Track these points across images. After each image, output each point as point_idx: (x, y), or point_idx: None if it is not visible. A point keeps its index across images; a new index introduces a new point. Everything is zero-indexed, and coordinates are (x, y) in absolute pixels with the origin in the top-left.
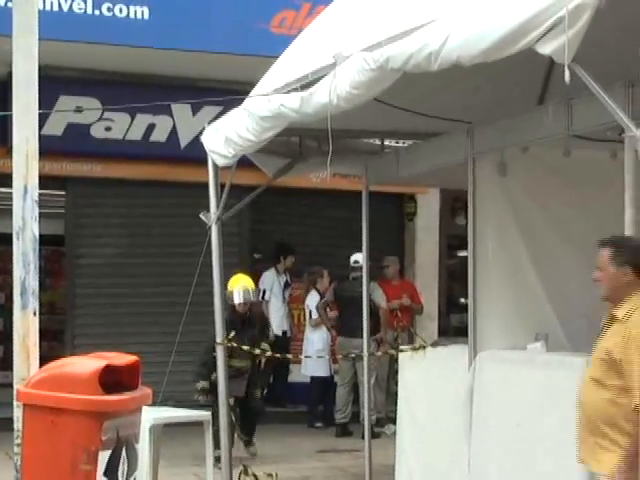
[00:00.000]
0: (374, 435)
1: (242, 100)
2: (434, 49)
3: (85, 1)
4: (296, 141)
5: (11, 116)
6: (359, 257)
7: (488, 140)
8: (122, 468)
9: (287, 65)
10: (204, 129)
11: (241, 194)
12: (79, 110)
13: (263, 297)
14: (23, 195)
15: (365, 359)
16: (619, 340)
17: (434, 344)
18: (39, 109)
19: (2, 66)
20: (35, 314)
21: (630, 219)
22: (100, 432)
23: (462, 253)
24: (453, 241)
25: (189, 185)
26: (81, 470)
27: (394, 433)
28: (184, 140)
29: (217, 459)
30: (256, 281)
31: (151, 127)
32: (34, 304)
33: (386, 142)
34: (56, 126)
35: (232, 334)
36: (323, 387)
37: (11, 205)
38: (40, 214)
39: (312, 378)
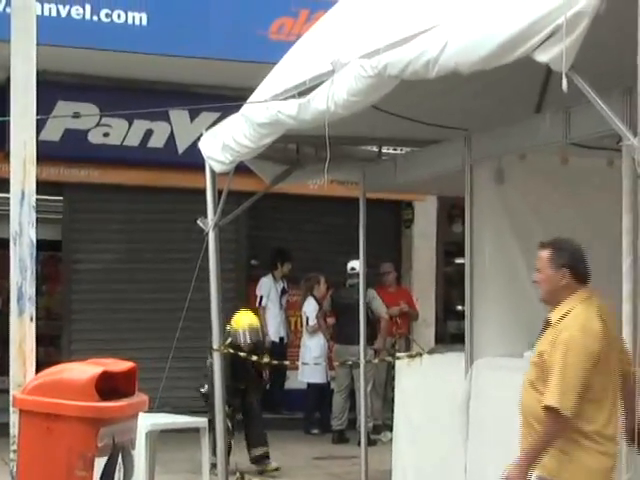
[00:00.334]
0: (370, 442)
1: (240, 107)
2: (432, 56)
3: (83, 7)
4: (293, 148)
5: (9, 122)
6: (356, 264)
7: (485, 147)
8: (118, 475)
9: (285, 72)
10: (202, 135)
11: (238, 200)
12: (77, 116)
13: (260, 303)
14: (20, 200)
15: (362, 366)
16: (550, 342)
17: (431, 351)
18: (37, 114)
19: (1, 71)
20: (32, 320)
21: (627, 227)
22: (96, 438)
23: (459, 260)
24: (450, 248)
25: (186, 191)
26: (77, 476)
27: (390, 440)
28: (182, 146)
29: (213, 465)
30: (254, 290)
31: (149, 133)
32: (31, 310)
33: (383, 149)
34: (54, 131)
35: (229, 340)
36: (320, 394)
37: (8, 210)
38: (37, 219)
39: (309, 385)
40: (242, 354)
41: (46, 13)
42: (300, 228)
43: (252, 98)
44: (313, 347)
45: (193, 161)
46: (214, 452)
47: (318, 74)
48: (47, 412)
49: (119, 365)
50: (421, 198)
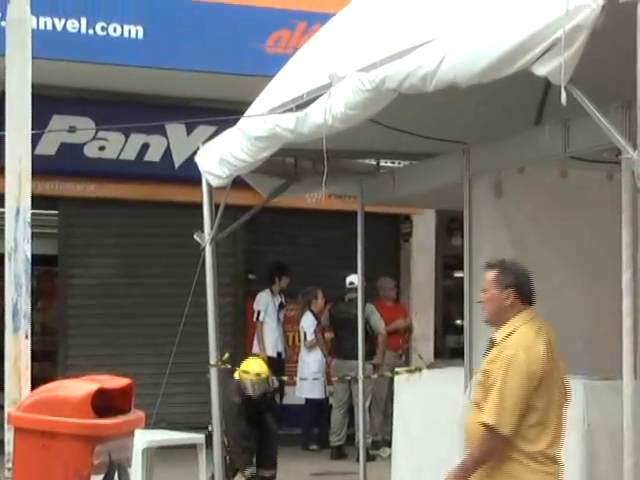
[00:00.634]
0: (369, 458)
1: (237, 120)
2: (430, 70)
3: (79, 20)
4: (291, 161)
5: (4, 137)
6: (355, 278)
7: (484, 161)
8: None
9: (282, 85)
10: (198, 149)
11: (236, 214)
12: (72, 130)
13: (257, 318)
14: (15, 216)
15: (360, 382)
16: (493, 362)
17: (430, 366)
18: (32, 129)
19: None
20: (27, 337)
21: (627, 240)
22: (92, 456)
23: (458, 274)
24: (449, 262)
25: (183, 205)
26: None
27: (389, 456)
28: (178, 160)
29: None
30: (251, 305)
31: (145, 147)
32: (26, 327)
33: (381, 162)
34: (49, 146)
35: (226, 355)
36: (318, 409)
37: (3, 226)
38: (33, 234)
39: (307, 400)
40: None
41: (41, 27)
42: (298, 242)
43: (249, 111)
44: (311, 362)
45: (190, 175)
46: (227, 475)
47: (315, 87)
48: (43, 429)
49: (115, 382)
50: (420, 212)
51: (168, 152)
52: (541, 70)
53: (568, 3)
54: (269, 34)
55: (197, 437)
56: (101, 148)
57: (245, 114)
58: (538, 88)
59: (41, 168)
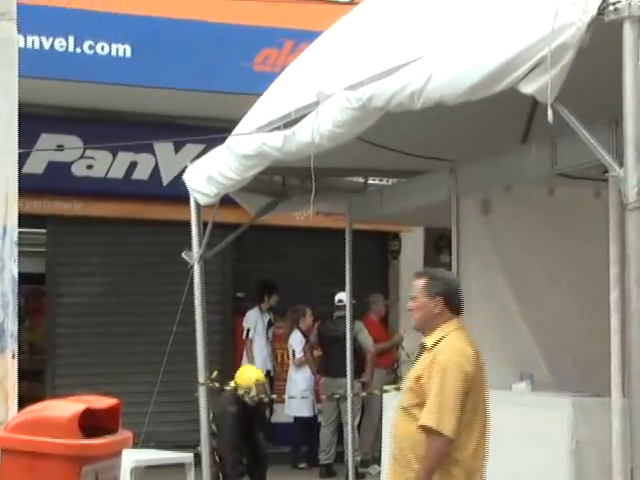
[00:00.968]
0: (358, 475)
1: (225, 138)
2: (417, 88)
3: (66, 39)
4: (279, 180)
5: None
6: (343, 296)
7: (471, 179)
8: None
9: (270, 103)
10: (186, 167)
11: (224, 232)
12: (60, 149)
13: (247, 336)
14: (2, 236)
15: (349, 399)
16: (426, 367)
17: None
18: (21, 147)
19: None
20: (14, 357)
21: (615, 258)
22: (79, 476)
23: None
24: None
25: (171, 224)
26: None
27: (379, 473)
28: (166, 178)
29: None
30: (240, 323)
31: (133, 165)
32: (13, 347)
33: (369, 180)
34: (37, 164)
35: (215, 374)
36: (307, 427)
37: None
38: (20, 252)
39: (295, 418)
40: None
41: (29, 45)
42: (286, 260)
43: (237, 130)
44: (299, 380)
45: (178, 193)
46: None
47: (303, 106)
48: (29, 450)
49: (102, 402)
50: (408, 229)
51: (156, 170)
52: (528, 88)
53: (554, 22)
54: (257, 52)
55: (185, 456)
56: (89, 167)
57: (233, 133)
58: (525, 106)
59: (29, 187)
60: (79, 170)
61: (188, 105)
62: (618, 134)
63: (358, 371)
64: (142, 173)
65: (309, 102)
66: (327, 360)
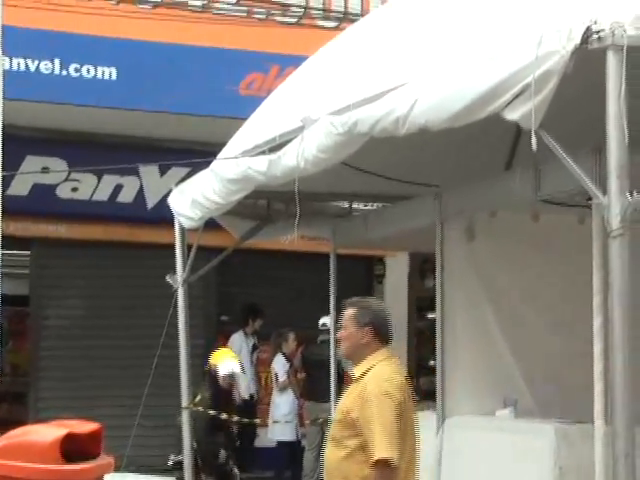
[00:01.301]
0: None
1: (210, 162)
2: (402, 114)
3: (52, 61)
4: (264, 204)
5: None
6: (327, 320)
7: (456, 205)
8: None
9: (255, 127)
10: (171, 191)
11: (208, 256)
12: (45, 171)
13: None
14: None
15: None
16: (356, 398)
17: None
18: (5, 169)
19: None
20: None
21: (598, 286)
22: None
23: (431, 315)
24: (423, 303)
25: (156, 247)
26: None
27: None
28: (151, 201)
29: None
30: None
31: (118, 188)
32: None
33: (354, 205)
34: (22, 186)
35: (198, 398)
36: (290, 452)
37: None
38: (4, 274)
39: (279, 442)
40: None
41: (14, 67)
42: (271, 283)
43: (222, 154)
44: (283, 404)
45: (162, 216)
46: None
47: (288, 130)
48: (11, 476)
49: (84, 426)
50: (393, 253)
51: (141, 193)
52: (512, 115)
53: (538, 49)
54: (243, 76)
55: None
56: (74, 189)
57: (218, 156)
58: (510, 132)
59: (13, 209)
60: (64, 192)
61: (173, 128)
62: (601, 161)
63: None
64: (127, 196)
65: (294, 127)
66: (311, 384)
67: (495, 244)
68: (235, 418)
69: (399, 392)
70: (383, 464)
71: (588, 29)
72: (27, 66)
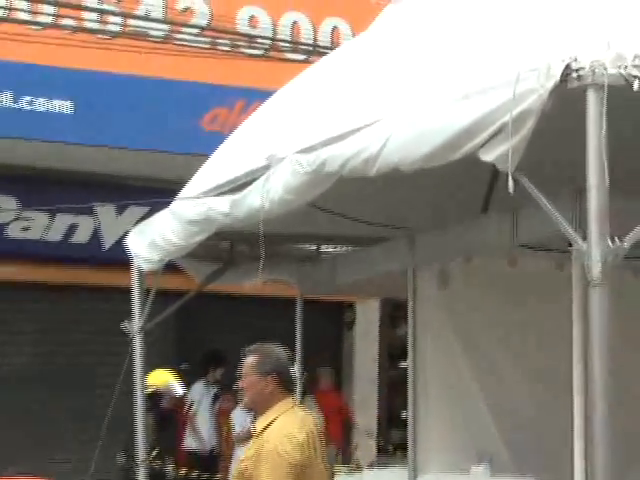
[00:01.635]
0: None
1: (170, 202)
2: (372, 153)
3: (3, 93)
4: (227, 246)
5: None
6: (294, 370)
7: (429, 249)
8: None
9: (218, 165)
10: (129, 231)
11: (168, 301)
12: None
13: (189, 409)
14: None
15: None
16: (253, 455)
17: (371, 465)
18: None
19: None
20: None
21: (578, 336)
22: None
23: (403, 364)
24: (394, 351)
25: (112, 290)
26: None
27: None
28: (107, 242)
29: None
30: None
31: (72, 228)
32: None
33: (322, 247)
34: None
35: (155, 452)
36: None
37: None
38: None
39: None
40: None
41: None
42: (234, 330)
43: (183, 193)
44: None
45: (119, 258)
46: None
47: (253, 169)
48: None
49: None
50: (363, 299)
51: (97, 233)
52: (487, 156)
53: (515, 87)
54: (206, 111)
55: None
56: (25, 229)
57: (178, 196)
58: (486, 173)
59: None
60: (14, 232)
61: (132, 165)
62: (582, 205)
63: None
64: (82, 236)
65: (259, 165)
66: None
67: (470, 291)
68: (194, 474)
69: (298, 450)
70: None
71: (567, 67)
72: None
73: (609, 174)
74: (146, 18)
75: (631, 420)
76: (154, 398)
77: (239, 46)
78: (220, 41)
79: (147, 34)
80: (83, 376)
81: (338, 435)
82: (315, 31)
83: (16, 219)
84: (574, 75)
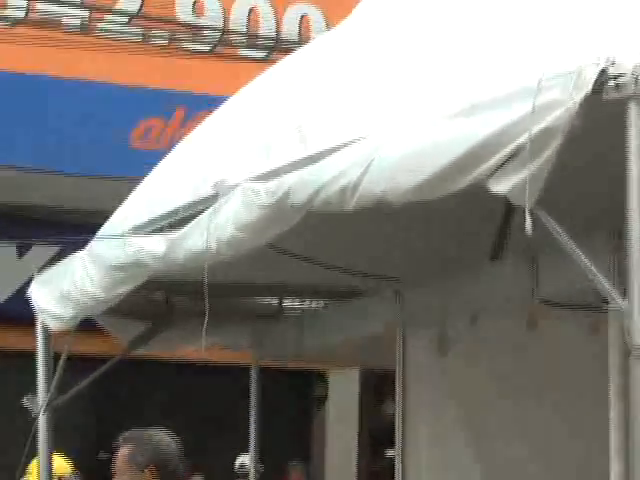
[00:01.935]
0: None
1: (87, 240)
2: (351, 181)
3: None
4: (161, 299)
5: None
6: (246, 460)
7: (423, 305)
8: None
9: (151, 194)
10: (32, 279)
11: (84, 369)
12: None
13: None
14: None
15: None
16: None
17: None
18: None
19: None
20: None
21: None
22: None
23: (390, 452)
24: (379, 436)
25: (11, 355)
26: None
27: None
28: (4, 293)
29: None
30: None
31: None
32: None
33: (285, 302)
34: None
35: None
36: None
37: None
38: None
39: None
40: None
41: None
42: (171, 407)
43: (104, 229)
44: None
45: (19, 313)
46: None
47: (195, 200)
48: None
49: None
50: (338, 369)
51: None
52: (499, 187)
53: (536, 98)
54: (135, 122)
55: None
56: None
57: (98, 234)
58: (497, 210)
59: None
60: None
61: (37, 192)
62: (621, 251)
63: None
64: None
65: (204, 195)
66: None
67: (476, 360)
68: None
69: None
70: None
71: (603, 73)
72: None
73: None
74: (58, 1)
75: None
76: None
77: (179, 39)
78: (155, 33)
79: (60, 22)
80: None
81: None
82: (278, 21)
83: None
84: (611, 84)
